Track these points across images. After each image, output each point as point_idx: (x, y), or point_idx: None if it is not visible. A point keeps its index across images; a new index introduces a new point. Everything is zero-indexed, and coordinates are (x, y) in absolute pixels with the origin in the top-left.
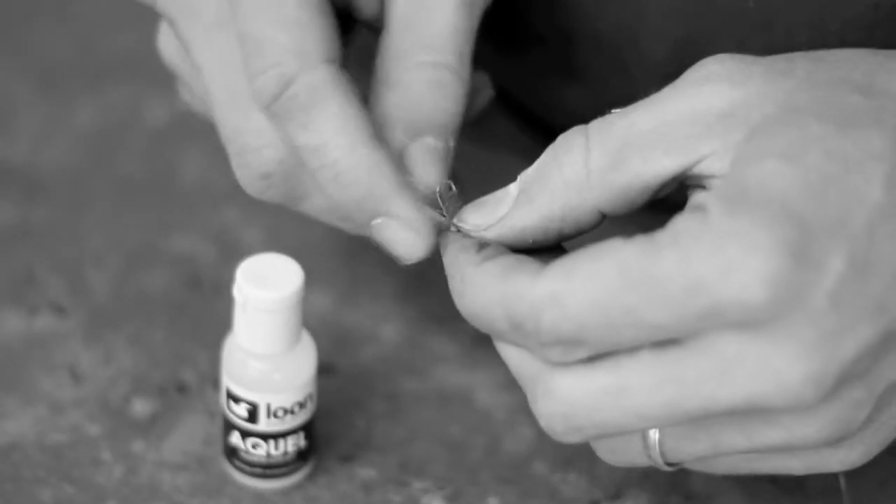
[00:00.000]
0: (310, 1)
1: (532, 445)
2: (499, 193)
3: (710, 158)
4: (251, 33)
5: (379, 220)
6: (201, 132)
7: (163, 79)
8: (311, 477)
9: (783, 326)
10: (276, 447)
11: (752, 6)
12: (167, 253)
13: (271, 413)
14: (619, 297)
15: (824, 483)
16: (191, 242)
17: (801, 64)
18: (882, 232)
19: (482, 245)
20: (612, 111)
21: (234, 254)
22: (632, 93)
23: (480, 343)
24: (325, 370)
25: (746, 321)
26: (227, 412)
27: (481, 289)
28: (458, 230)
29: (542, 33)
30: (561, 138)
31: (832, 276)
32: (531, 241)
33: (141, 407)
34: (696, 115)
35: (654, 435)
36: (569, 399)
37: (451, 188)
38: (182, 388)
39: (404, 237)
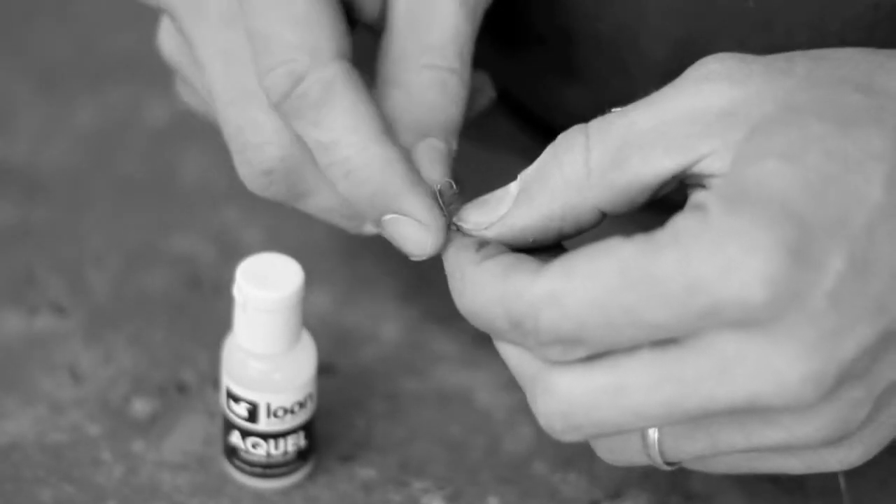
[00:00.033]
0: None
1: (532, 445)
2: (499, 192)
3: (710, 157)
4: (261, 30)
5: (389, 217)
6: (201, 132)
7: (163, 79)
8: (311, 477)
9: (783, 326)
10: (276, 447)
11: (752, 6)
12: (167, 253)
13: (271, 413)
14: (618, 296)
15: (824, 483)
16: (191, 242)
17: (801, 63)
18: (882, 232)
19: (482, 244)
20: (613, 110)
21: (234, 254)
22: (632, 93)
23: (480, 343)
24: (325, 370)
25: (746, 320)
26: (227, 412)
27: (481, 287)
28: (459, 229)
29: (542, 33)
30: (561, 137)
31: (832, 275)
32: (531, 240)
33: (141, 407)
34: (696, 114)
35: (653, 434)
36: (568, 398)
37: (452, 187)
38: (182, 388)
39: (415, 234)
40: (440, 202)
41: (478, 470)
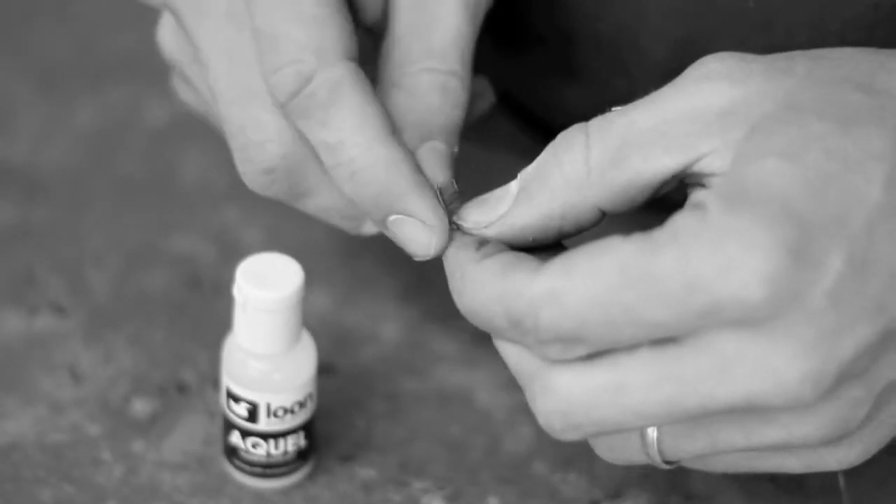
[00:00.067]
0: None
1: (532, 445)
2: (499, 191)
3: (710, 157)
4: (267, 30)
5: (394, 218)
6: (201, 132)
7: (163, 79)
8: (311, 477)
9: (782, 325)
10: (276, 447)
11: (752, 6)
12: (167, 253)
13: (271, 413)
14: (618, 294)
15: (823, 482)
16: (191, 242)
17: (801, 62)
18: (881, 231)
19: (482, 243)
20: (613, 109)
21: (234, 254)
22: (632, 93)
23: (480, 343)
24: (325, 370)
25: (745, 319)
26: (227, 412)
27: (481, 286)
28: (459, 228)
29: (542, 33)
30: (561, 136)
31: (831, 275)
32: (531, 238)
33: (141, 407)
34: (697, 114)
35: (652, 433)
36: (567, 396)
37: (452, 186)
38: (182, 388)
39: (419, 235)
40: (441, 201)
41: (478, 470)
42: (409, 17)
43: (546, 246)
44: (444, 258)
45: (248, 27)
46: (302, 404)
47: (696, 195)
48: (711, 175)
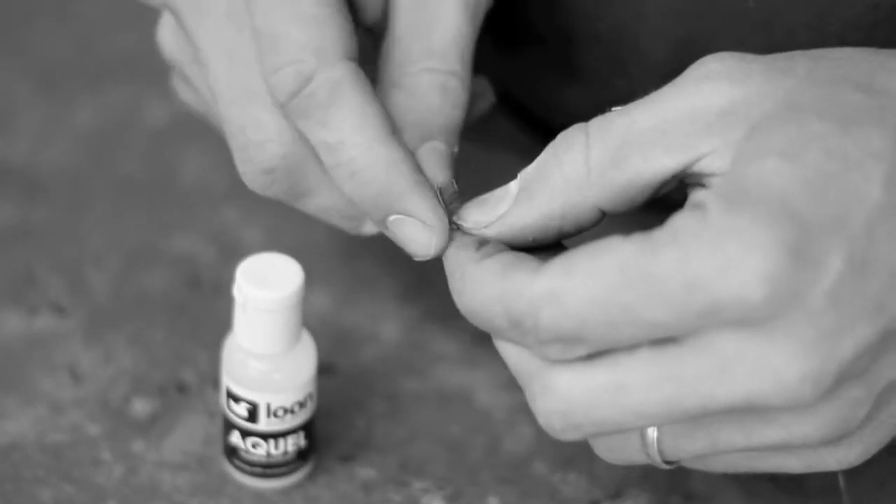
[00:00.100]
0: None
1: (532, 445)
2: (499, 191)
3: (710, 156)
4: (267, 29)
5: (394, 218)
6: (201, 132)
7: (163, 79)
8: (311, 477)
9: (782, 325)
10: (276, 447)
11: (752, 6)
12: (167, 253)
13: (271, 413)
14: (617, 294)
15: (823, 482)
16: (191, 242)
17: (801, 62)
18: (881, 231)
19: (482, 242)
20: (613, 109)
21: (234, 254)
22: (632, 93)
23: (480, 343)
24: (325, 370)
25: (745, 319)
26: (227, 412)
27: (480, 286)
28: (459, 228)
29: (542, 33)
30: (561, 136)
31: (831, 274)
32: (531, 238)
33: (141, 407)
34: (697, 113)
35: (652, 433)
36: (567, 396)
37: (452, 186)
38: (182, 388)
39: (420, 235)
40: (441, 201)
41: (478, 470)
42: (409, 17)
43: (546, 246)
44: (444, 258)
45: (248, 27)
46: (302, 404)
47: (696, 195)
48: (711, 175)
